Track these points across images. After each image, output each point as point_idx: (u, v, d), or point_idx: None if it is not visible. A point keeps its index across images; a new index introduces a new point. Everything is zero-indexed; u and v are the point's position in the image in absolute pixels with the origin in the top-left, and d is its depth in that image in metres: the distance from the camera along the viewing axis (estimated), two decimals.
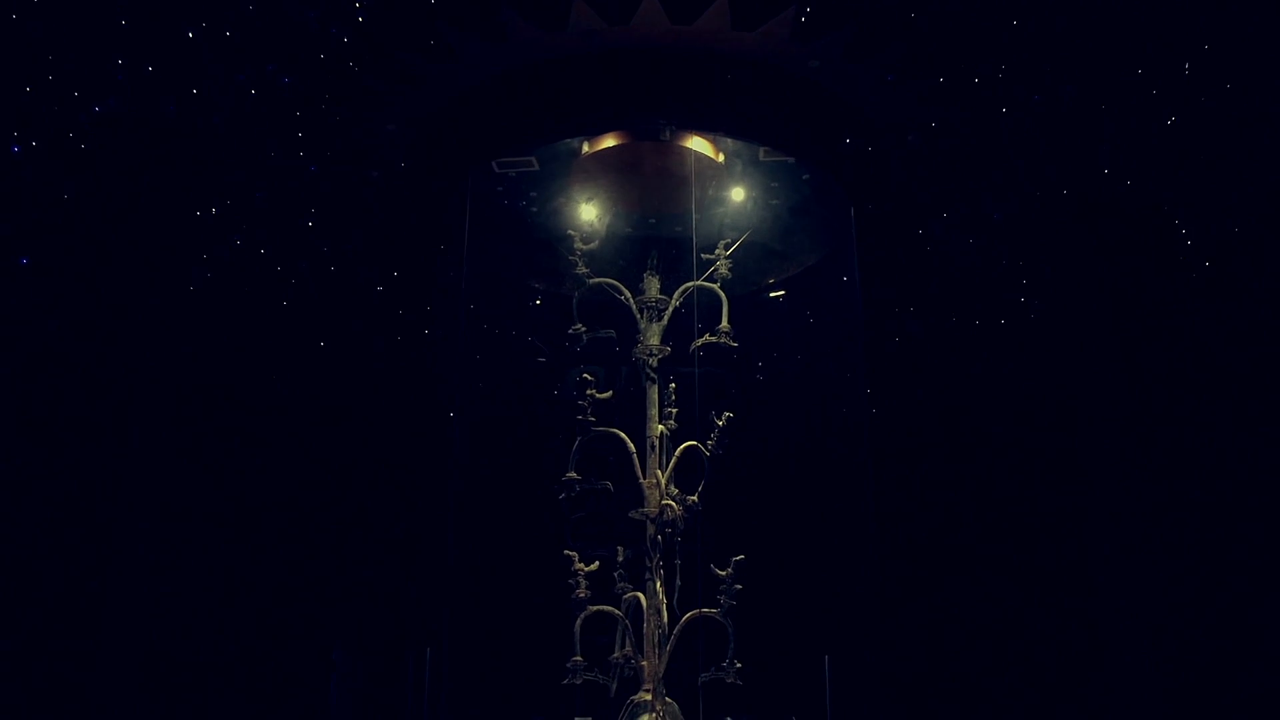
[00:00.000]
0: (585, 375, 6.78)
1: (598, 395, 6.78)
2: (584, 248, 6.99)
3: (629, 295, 7.04)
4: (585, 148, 6.90)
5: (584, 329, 6.93)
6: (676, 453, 6.78)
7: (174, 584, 7.55)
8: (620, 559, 6.77)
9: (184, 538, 7.57)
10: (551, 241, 7.41)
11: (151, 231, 7.55)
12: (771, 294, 7.77)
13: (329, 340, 8.05)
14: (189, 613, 7.64)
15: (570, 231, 7.04)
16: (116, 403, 7.45)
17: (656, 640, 6.55)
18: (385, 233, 7.73)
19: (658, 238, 7.42)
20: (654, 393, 6.91)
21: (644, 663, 6.53)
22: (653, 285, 7.06)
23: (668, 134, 6.79)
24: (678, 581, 6.67)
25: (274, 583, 7.74)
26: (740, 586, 6.53)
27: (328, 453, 7.77)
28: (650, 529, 6.67)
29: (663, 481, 6.72)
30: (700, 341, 6.84)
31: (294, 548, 7.70)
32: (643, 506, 6.71)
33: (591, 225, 7.16)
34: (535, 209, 7.44)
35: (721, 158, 6.98)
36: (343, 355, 8.00)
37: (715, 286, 6.99)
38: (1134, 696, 7.28)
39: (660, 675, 6.49)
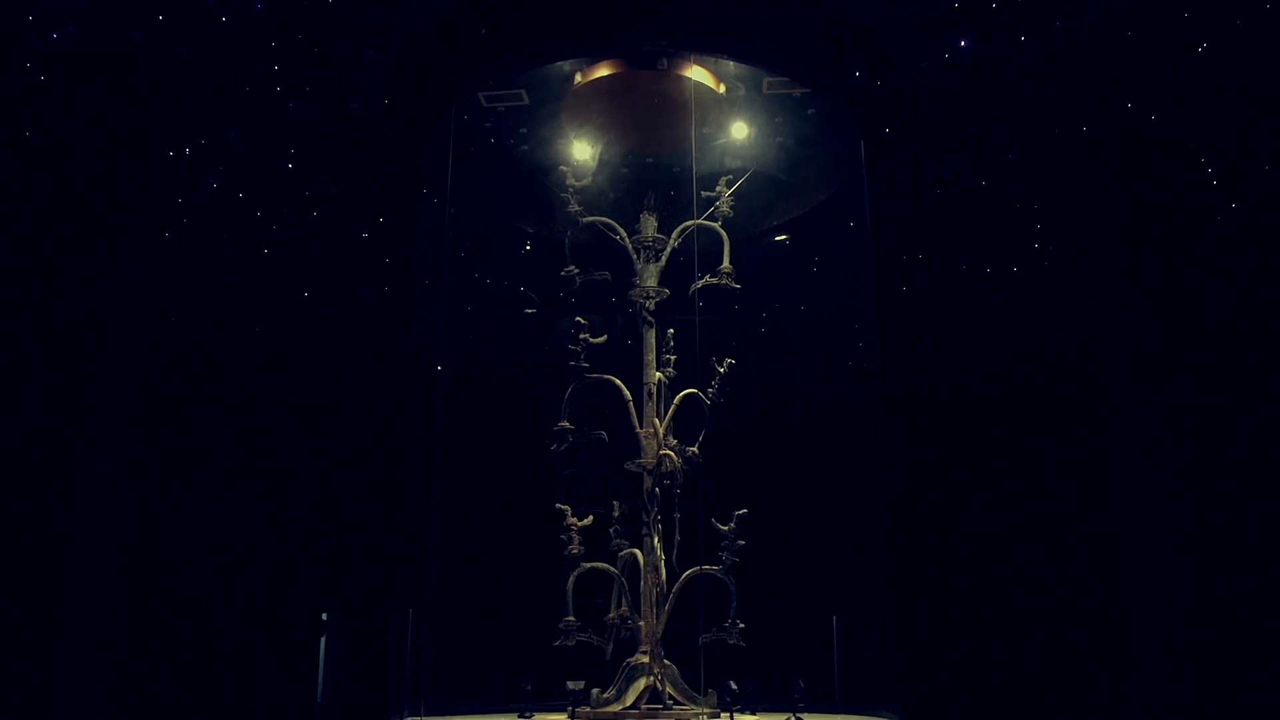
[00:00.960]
0: (579, 319, 6.14)
1: (592, 340, 6.16)
2: (577, 184, 6.38)
3: (624, 235, 6.43)
4: (578, 78, 6.27)
5: (577, 271, 6.32)
6: (675, 401, 6.17)
7: (155, 548, 6.92)
8: (616, 514, 6.19)
9: (159, 500, 6.92)
10: (542, 181, 6.81)
11: (119, 172, 6.87)
12: (777, 237, 7.13)
13: (311, 289, 7.37)
14: (176, 577, 7.01)
15: (562, 167, 6.40)
16: (87, 358, 6.78)
17: (654, 599, 5.97)
18: (367, 173, 7.05)
19: (655, 178, 6.78)
20: (651, 337, 6.30)
21: (641, 623, 5.96)
22: (650, 224, 6.44)
23: (665, 62, 6.15)
24: (677, 537, 6.09)
25: (259, 543, 7.08)
26: (743, 542, 6.00)
27: (309, 408, 7.10)
28: (647, 481, 6.08)
29: (661, 431, 6.12)
30: (701, 283, 6.22)
31: (278, 506, 7.05)
32: (639, 457, 6.10)
33: (584, 161, 6.52)
34: (525, 146, 6.84)
35: (723, 88, 6.35)
36: (324, 305, 7.32)
37: (716, 225, 6.37)
38: (1157, 664, 6.67)
39: (658, 636, 5.93)
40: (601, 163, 6.63)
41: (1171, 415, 6.81)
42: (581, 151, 6.59)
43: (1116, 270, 7.19)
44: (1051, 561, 6.87)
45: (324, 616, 7.22)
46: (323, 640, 7.07)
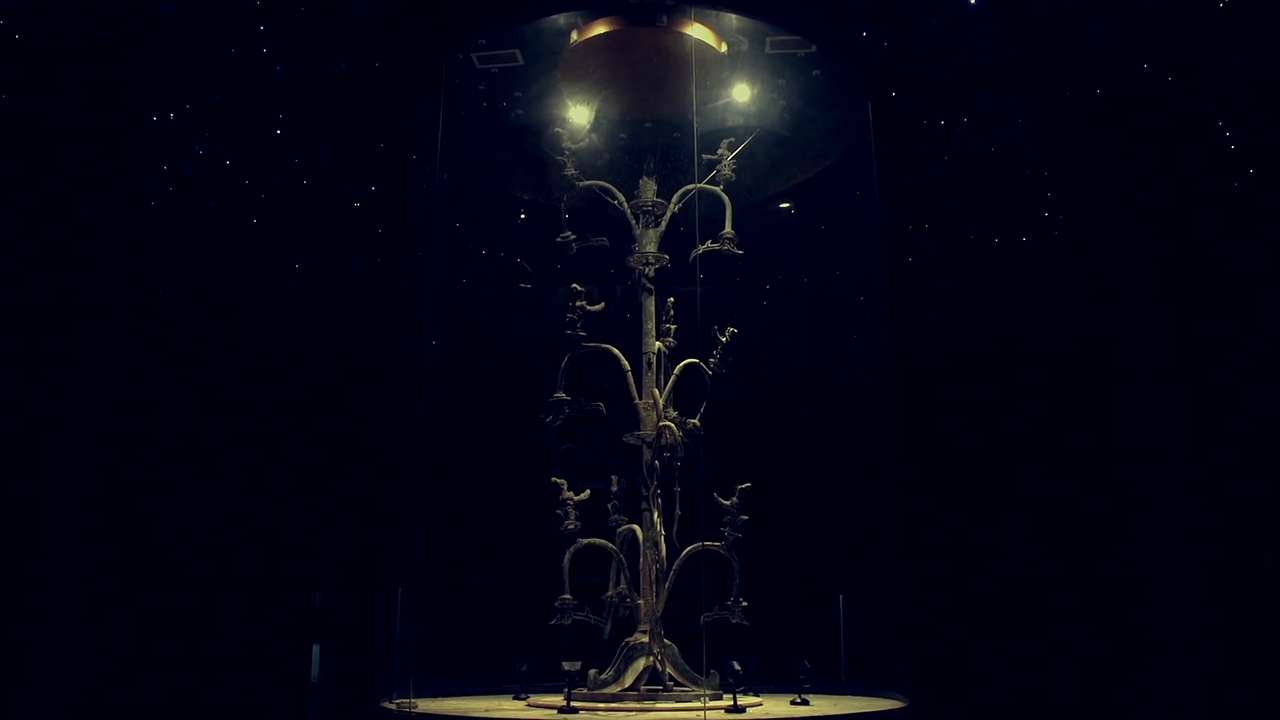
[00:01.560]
0: (575, 286, 5.76)
1: (589, 307, 5.76)
2: (573, 147, 6.01)
3: (622, 200, 6.05)
4: (574, 36, 5.88)
5: (573, 237, 5.94)
6: (675, 371, 5.78)
7: (137, 527, 6.55)
8: (614, 488, 5.82)
9: (140, 479, 6.55)
10: (538, 146, 6.40)
11: (100, 139, 6.49)
12: (780, 204, 6.75)
13: (302, 261, 7.00)
14: (159, 555, 6.63)
15: (558, 130, 6.01)
16: (65, 332, 6.41)
17: (654, 576, 5.60)
18: (358, 139, 6.68)
19: (654, 142, 6.41)
20: (650, 305, 5.92)
21: (640, 601, 5.60)
22: (649, 188, 6.07)
23: (664, 19, 5.77)
24: (677, 512, 5.71)
25: (243, 522, 6.71)
26: (746, 517, 5.61)
27: (297, 379, 6.74)
28: (647, 454, 5.70)
29: (660, 402, 5.73)
30: (702, 248, 5.83)
31: (264, 483, 6.69)
32: (638, 430, 5.71)
33: (581, 124, 6.13)
34: (520, 110, 6.41)
35: (724, 47, 5.95)
36: (315, 276, 6.95)
37: (718, 189, 5.98)
38: (1171, 644, 6.32)
39: (658, 615, 5.57)
40: (599, 126, 6.24)
41: (1191, 390, 6.45)
42: (578, 114, 6.21)
43: (1132, 241, 6.83)
44: (1064, 540, 6.52)
45: (318, 597, 6.90)
46: (316, 619, 6.74)
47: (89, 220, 6.56)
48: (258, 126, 6.64)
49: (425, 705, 5.29)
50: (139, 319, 6.74)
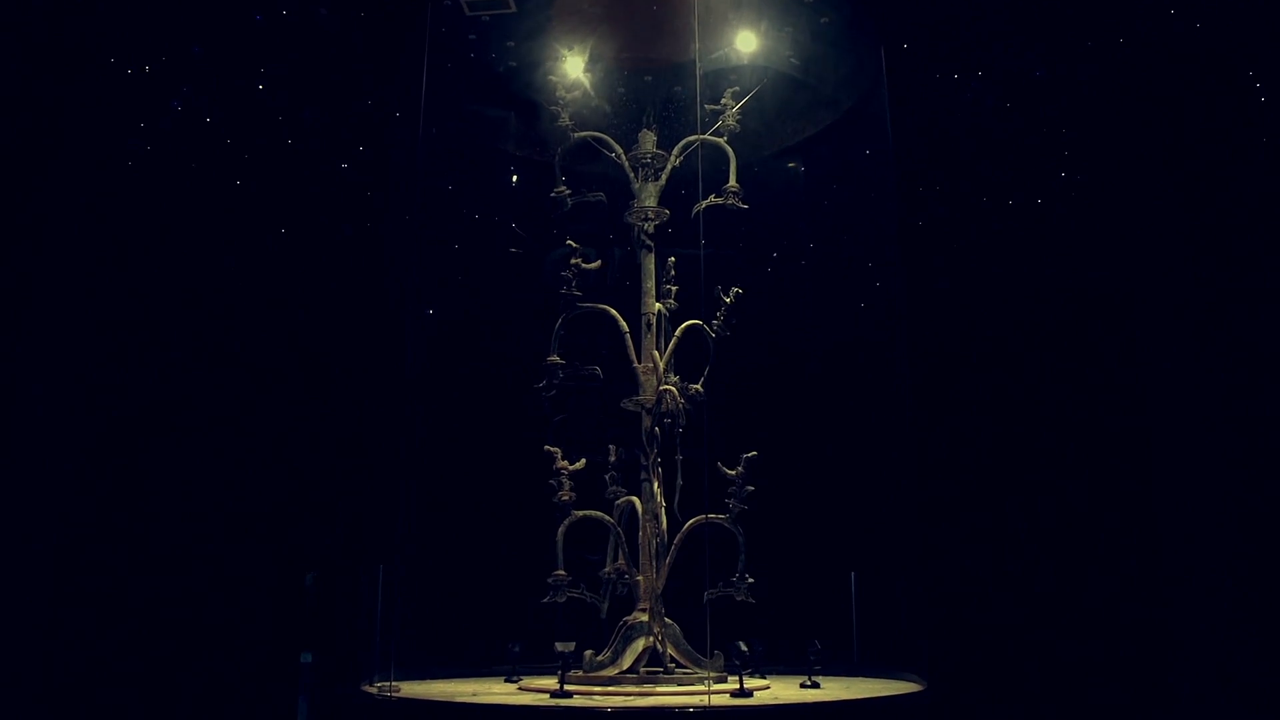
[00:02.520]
0: (570, 243, 5.24)
1: (585, 265, 5.25)
2: (568, 96, 5.48)
3: (620, 152, 5.52)
4: None
5: (568, 192, 5.42)
6: (676, 334, 5.26)
7: (111, 505, 6.04)
8: (612, 458, 5.32)
9: (112, 460, 6.04)
10: (531, 98, 5.89)
11: (74, 94, 5.97)
12: (788, 164, 6.23)
13: (285, 223, 6.48)
14: (142, 531, 6.13)
15: (552, 78, 5.49)
16: (34, 296, 5.90)
17: (654, 551, 5.11)
18: (344, 94, 6.16)
19: (654, 97, 5.93)
20: (650, 264, 5.41)
21: (639, 578, 5.11)
22: (648, 140, 5.55)
23: None
24: (679, 482, 5.21)
25: (234, 501, 6.21)
26: (752, 488, 5.10)
27: (274, 349, 6.23)
28: (646, 421, 5.19)
29: (660, 366, 5.21)
30: (705, 203, 5.29)
31: (239, 453, 6.18)
32: (637, 395, 5.19)
33: (577, 76, 5.61)
34: (513, 62, 5.90)
35: None
36: (295, 239, 6.44)
37: (721, 141, 5.44)
38: (1200, 626, 5.81)
39: (659, 592, 5.08)
40: (596, 80, 5.72)
41: (1218, 361, 5.93)
42: (574, 66, 5.68)
43: (1156, 198, 6.29)
44: (1090, 512, 6.02)
45: (309, 577, 6.41)
46: (309, 599, 6.25)
47: (60, 180, 6.05)
48: (238, 80, 6.12)
49: (409, 689, 4.81)
50: (111, 284, 6.22)
